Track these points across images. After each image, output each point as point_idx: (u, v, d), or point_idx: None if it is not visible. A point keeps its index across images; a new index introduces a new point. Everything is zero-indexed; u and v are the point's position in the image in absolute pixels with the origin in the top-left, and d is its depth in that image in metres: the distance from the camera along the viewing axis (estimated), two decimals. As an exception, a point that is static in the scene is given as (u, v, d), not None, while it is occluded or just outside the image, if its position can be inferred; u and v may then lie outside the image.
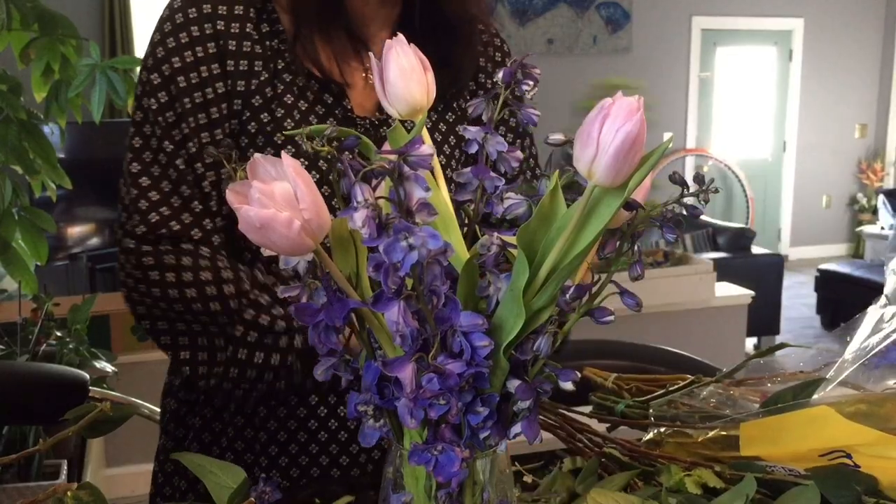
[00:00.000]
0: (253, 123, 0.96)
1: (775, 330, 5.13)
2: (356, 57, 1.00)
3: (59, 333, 2.25)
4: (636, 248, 0.56)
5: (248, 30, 0.96)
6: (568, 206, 0.54)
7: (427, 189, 0.49)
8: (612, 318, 0.56)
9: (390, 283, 0.48)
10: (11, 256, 2.05)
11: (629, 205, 0.54)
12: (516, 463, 0.93)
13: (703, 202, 0.55)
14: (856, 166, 8.02)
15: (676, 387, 1.03)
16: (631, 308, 0.56)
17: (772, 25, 7.61)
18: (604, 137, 0.50)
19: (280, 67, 0.97)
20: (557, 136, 0.55)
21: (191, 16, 0.94)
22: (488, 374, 0.53)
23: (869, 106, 8.01)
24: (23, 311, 2.29)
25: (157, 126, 0.94)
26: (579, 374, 0.56)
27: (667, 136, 7.01)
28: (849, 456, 0.79)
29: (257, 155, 0.53)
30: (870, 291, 5.10)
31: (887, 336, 0.90)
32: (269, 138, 0.96)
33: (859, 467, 0.78)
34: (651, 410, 0.99)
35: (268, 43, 0.97)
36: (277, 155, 0.91)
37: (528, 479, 0.91)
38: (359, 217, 0.48)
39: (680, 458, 0.87)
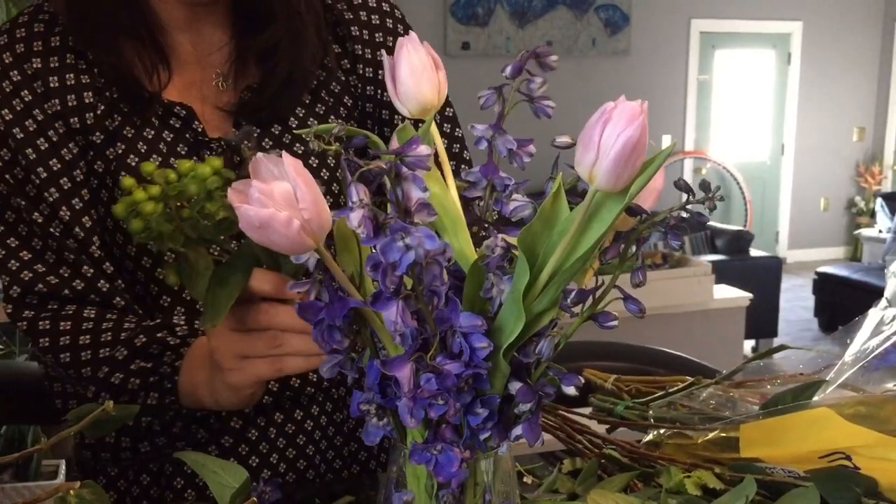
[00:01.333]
0: (99, 162, 0.89)
1: (773, 332, 5.14)
2: (197, 72, 0.93)
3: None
4: (640, 253, 0.56)
5: (69, 61, 0.88)
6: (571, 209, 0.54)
7: (425, 189, 0.48)
8: (615, 322, 0.56)
9: (388, 283, 0.48)
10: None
11: (632, 210, 0.54)
12: (516, 463, 0.93)
13: (708, 209, 0.55)
14: (854, 169, 8.03)
15: (676, 388, 1.03)
16: (634, 314, 0.56)
17: (770, 29, 7.62)
18: (604, 142, 0.49)
19: (116, 96, 0.89)
20: (564, 139, 0.55)
21: (6, 61, 0.87)
22: (488, 376, 0.53)
23: (867, 109, 8.02)
24: (21, 310, 2.28)
25: (8, 184, 0.88)
26: (583, 380, 0.56)
27: (666, 139, 7.02)
28: (848, 458, 0.80)
29: (259, 154, 0.51)
30: (867, 294, 5.11)
31: (887, 338, 0.90)
32: (117, 178, 0.88)
33: (859, 469, 0.79)
34: (651, 412, 0.99)
35: (96, 70, 0.89)
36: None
37: (528, 479, 0.91)
38: (355, 217, 0.48)
39: (679, 460, 0.87)
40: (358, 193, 0.48)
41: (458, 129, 1.04)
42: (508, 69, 0.56)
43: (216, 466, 0.61)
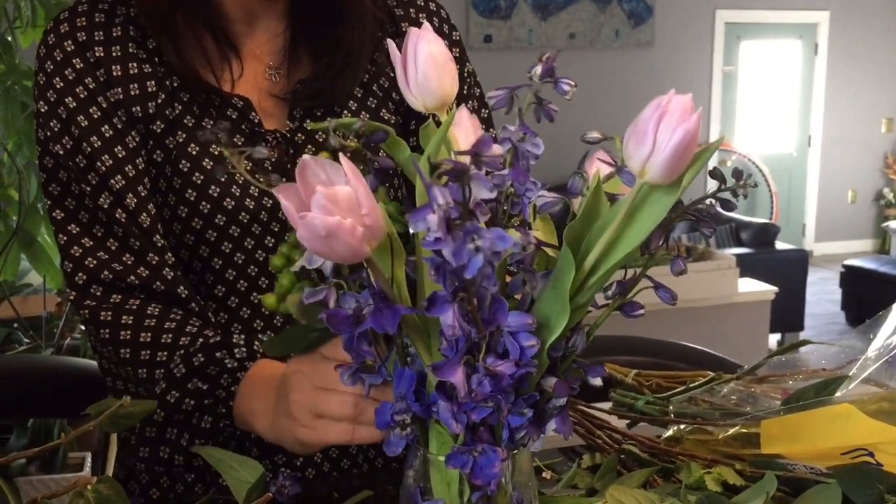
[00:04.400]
0: (159, 151, 0.90)
1: (799, 326, 5.09)
2: (250, 62, 0.93)
3: (83, 327, 2.27)
4: (669, 243, 0.56)
5: (131, 50, 0.89)
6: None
7: (492, 189, 0.47)
8: (642, 311, 0.55)
9: (449, 287, 0.47)
10: (37, 251, 2.07)
11: None
12: (535, 458, 0.93)
13: (743, 196, 0.55)
14: (882, 161, 7.93)
15: (697, 383, 1.02)
16: (666, 302, 0.56)
17: (797, 19, 7.53)
18: (661, 135, 0.49)
19: (176, 85, 0.90)
20: (594, 135, 0.54)
21: (69, 49, 0.88)
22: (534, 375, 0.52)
23: (895, 100, 7.91)
24: (47, 305, 2.32)
25: (70, 171, 0.88)
26: (606, 371, 0.56)
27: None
28: (871, 454, 0.79)
29: (305, 156, 0.49)
30: (896, 287, 5.05)
31: (911, 333, 0.89)
32: (176, 167, 0.89)
33: (882, 466, 0.78)
34: (671, 407, 0.99)
35: (157, 59, 0.90)
36: (186, 187, 0.88)
37: (547, 474, 0.91)
38: (433, 220, 0.45)
39: (700, 456, 0.86)
40: (443, 197, 0.46)
41: (492, 131, 1.03)
42: (538, 70, 0.54)
43: (233, 461, 0.61)
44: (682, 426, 0.94)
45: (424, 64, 0.54)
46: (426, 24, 0.56)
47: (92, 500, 0.52)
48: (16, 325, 2.30)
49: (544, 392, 0.54)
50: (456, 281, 0.47)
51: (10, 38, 2.08)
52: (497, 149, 0.48)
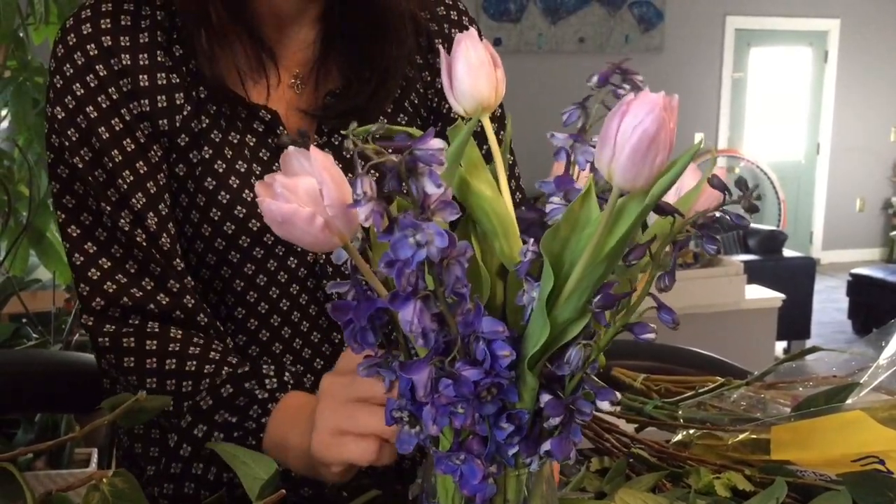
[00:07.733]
0: (181, 165, 0.85)
1: (805, 334, 5.08)
2: (275, 73, 0.88)
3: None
4: (675, 257, 0.53)
5: (158, 58, 0.83)
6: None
7: (439, 185, 0.46)
8: (652, 335, 0.52)
9: (404, 282, 0.46)
10: (46, 247, 2.08)
11: (663, 210, 0.51)
12: (544, 461, 0.93)
13: (747, 210, 0.52)
14: (891, 169, 7.91)
15: (706, 389, 1.02)
16: (667, 325, 0.53)
17: (807, 26, 7.52)
18: (620, 136, 0.45)
19: (203, 96, 0.85)
20: (561, 135, 0.53)
21: (92, 53, 0.82)
22: (515, 388, 0.50)
23: (905, 109, 7.90)
24: (56, 300, 2.32)
25: (88, 185, 0.83)
26: (619, 396, 0.54)
27: (698, 137, 6.96)
28: (882, 462, 0.79)
29: (291, 147, 0.49)
30: (903, 297, 5.04)
31: (923, 342, 0.88)
32: (201, 184, 0.85)
33: (892, 474, 0.77)
34: (680, 412, 0.99)
35: (185, 68, 0.84)
36: (210, 206, 0.85)
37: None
38: (363, 211, 0.45)
39: (709, 461, 0.86)
40: (362, 186, 0.45)
41: (501, 133, 1.01)
42: (595, 79, 0.52)
43: (247, 458, 0.62)
44: (691, 431, 0.94)
45: (460, 68, 0.55)
46: (472, 31, 0.56)
47: (107, 493, 0.52)
48: (25, 320, 2.31)
49: (542, 410, 0.52)
50: (408, 277, 0.46)
51: (22, 35, 2.09)
52: (436, 142, 0.46)
